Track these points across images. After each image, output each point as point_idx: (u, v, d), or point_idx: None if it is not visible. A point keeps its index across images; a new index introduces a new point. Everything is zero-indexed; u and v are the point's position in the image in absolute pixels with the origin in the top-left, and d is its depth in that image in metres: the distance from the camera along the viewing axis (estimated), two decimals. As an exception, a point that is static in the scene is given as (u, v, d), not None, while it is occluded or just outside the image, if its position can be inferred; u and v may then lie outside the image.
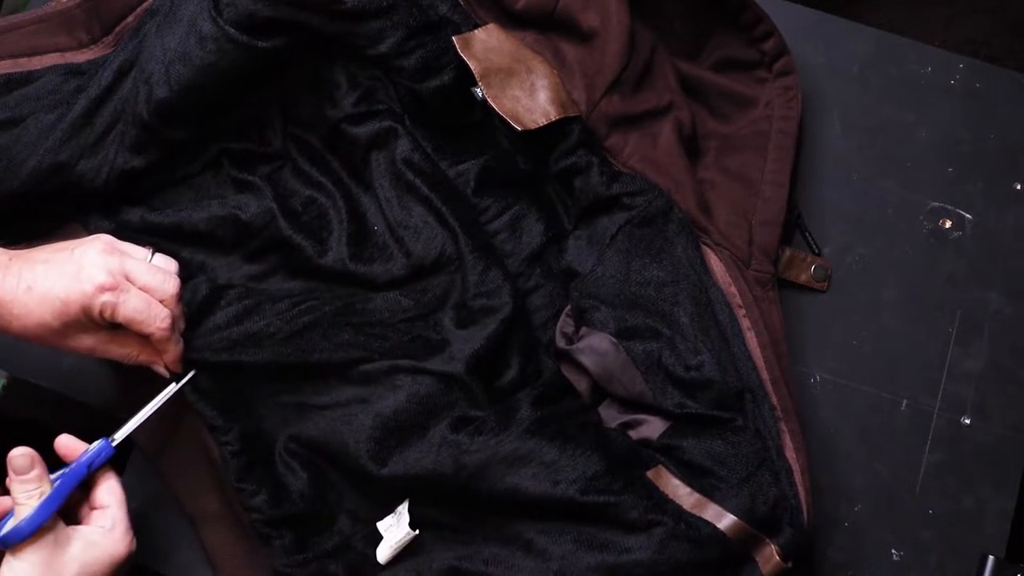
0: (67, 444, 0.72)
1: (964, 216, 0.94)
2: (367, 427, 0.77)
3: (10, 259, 0.71)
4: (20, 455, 0.69)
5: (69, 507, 0.72)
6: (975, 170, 0.95)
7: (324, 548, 0.78)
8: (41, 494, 0.69)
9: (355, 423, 0.77)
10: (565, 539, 0.74)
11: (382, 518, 0.78)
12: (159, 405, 0.75)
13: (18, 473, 0.69)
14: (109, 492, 0.73)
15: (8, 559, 0.68)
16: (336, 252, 0.83)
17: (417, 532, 0.76)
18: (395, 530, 0.77)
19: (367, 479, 0.77)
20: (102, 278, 0.70)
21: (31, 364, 0.86)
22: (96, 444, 0.72)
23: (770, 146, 0.89)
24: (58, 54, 0.85)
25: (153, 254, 0.77)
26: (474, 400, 0.78)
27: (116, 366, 0.79)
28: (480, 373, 0.79)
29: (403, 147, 0.84)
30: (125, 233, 0.84)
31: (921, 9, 1.62)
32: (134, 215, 0.84)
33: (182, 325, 0.76)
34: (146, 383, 0.79)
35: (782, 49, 0.90)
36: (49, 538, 0.68)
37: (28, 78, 0.83)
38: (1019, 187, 0.95)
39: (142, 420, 0.75)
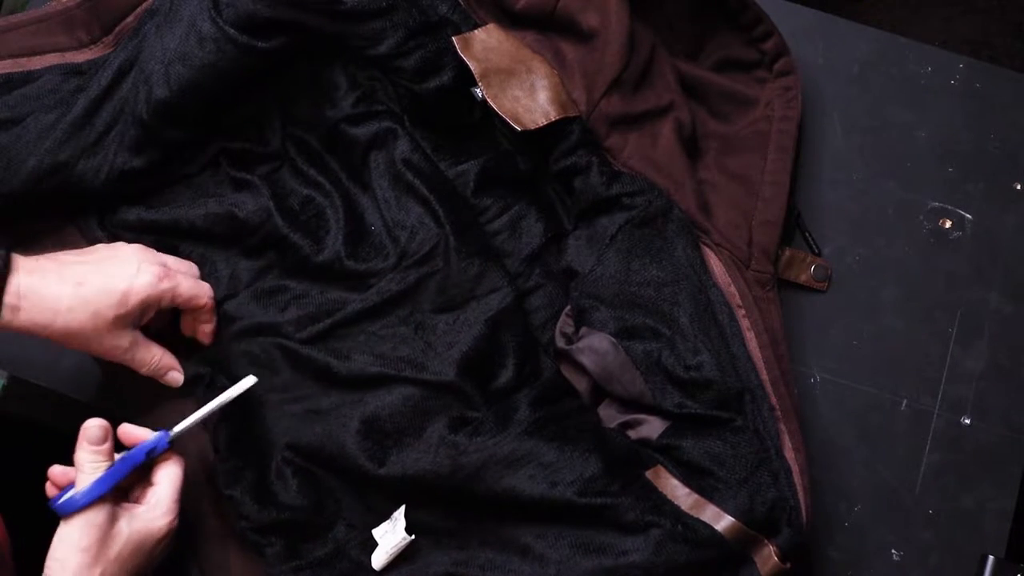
0: (129, 432, 0.75)
1: (964, 216, 0.94)
2: (363, 428, 0.77)
3: (37, 261, 0.73)
4: (96, 426, 0.72)
5: (131, 488, 0.75)
6: (975, 170, 0.95)
7: (317, 556, 0.78)
8: (105, 467, 0.72)
9: (350, 425, 0.77)
10: (562, 543, 0.74)
11: (378, 525, 0.78)
12: (220, 405, 0.76)
13: (91, 443, 0.71)
14: (164, 474, 0.75)
15: (62, 526, 0.70)
16: (332, 251, 0.83)
17: (413, 537, 0.76)
18: (391, 536, 0.77)
19: (365, 481, 0.77)
20: (156, 269, 0.76)
21: (31, 364, 0.86)
22: (157, 434, 0.74)
23: (770, 146, 0.89)
24: (58, 54, 0.85)
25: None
26: (469, 402, 0.78)
27: (116, 367, 0.79)
28: (472, 375, 0.79)
29: (403, 148, 0.84)
30: (123, 232, 0.85)
31: (921, 9, 1.62)
32: (131, 214, 0.84)
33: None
34: (146, 384, 0.80)
35: (782, 49, 0.90)
36: (102, 511, 0.71)
37: (28, 78, 0.83)
38: (1019, 187, 0.95)
39: (201, 419, 0.76)
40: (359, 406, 0.78)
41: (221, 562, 0.81)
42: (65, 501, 0.70)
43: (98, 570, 0.70)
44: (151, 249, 0.79)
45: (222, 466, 0.78)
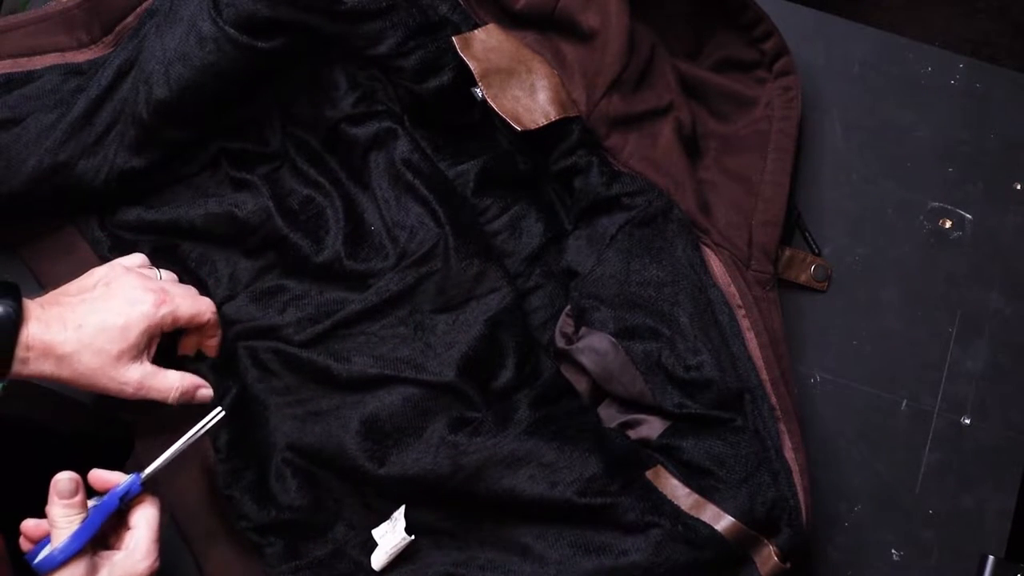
0: (100, 476, 0.74)
1: (964, 216, 0.94)
2: (363, 428, 0.77)
3: (42, 307, 0.73)
4: (66, 479, 0.70)
5: (108, 534, 0.74)
6: (975, 170, 0.95)
7: (317, 556, 0.78)
8: (80, 519, 0.71)
9: (350, 426, 0.77)
10: (562, 543, 0.74)
11: (378, 525, 0.78)
12: (190, 441, 0.76)
13: (61, 497, 0.70)
14: (140, 516, 0.74)
15: None
16: (332, 251, 0.83)
17: (413, 538, 0.76)
18: (390, 536, 0.77)
19: (365, 481, 0.77)
20: (153, 296, 0.75)
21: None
22: (127, 478, 0.73)
23: (770, 146, 0.89)
24: (58, 54, 0.85)
25: (160, 272, 0.80)
26: (469, 402, 0.78)
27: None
28: (472, 375, 0.79)
29: (403, 148, 0.84)
30: (123, 232, 0.85)
31: (921, 9, 1.62)
32: (131, 214, 0.85)
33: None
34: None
35: (782, 49, 0.90)
36: (81, 564, 0.69)
37: (28, 78, 0.83)
38: (1019, 187, 0.95)
39: (171, 457, 0.75)
40: (359, 407, 0.78)
41: (221, 562, 0.81)
42: (43, 560, 0.69)
43: None
44: (146, 274, 0.78)
45: (223, 466, 0.78)
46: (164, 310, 0.75)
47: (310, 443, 0.79)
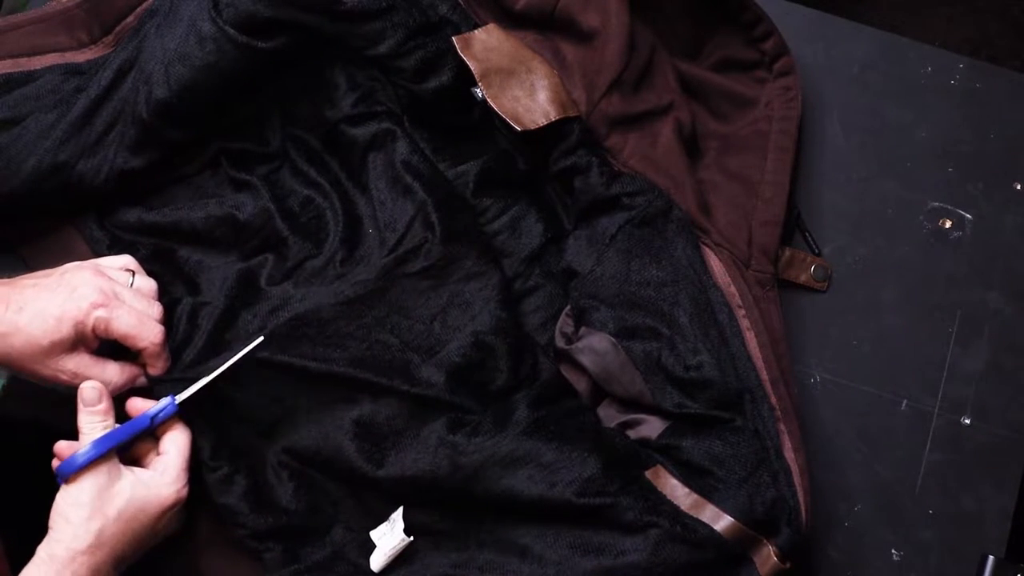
0: (136, 405, 0.76)
1: (964, 216, 0.94)
2: (360, 431, 0.77)
3: None
4: (90, 387, 0.73)
5: (138, 456, 0.76)
6: (975, 170, 0.95)
7: (315, 559, 0.77)
8: (105, 428, 0.72)
9: (346, 427, 0.77)
10: (561, 543, 0.74)
11: (376, 527, 0.78)
12: (228, 367, 0.76)
13: (86, 405, 0.73)
14: (171, 442, 0.75)
15: (64, 486, 0.71)
16: (328, 254, 0.83)
17: (411, 539, 0.76)
18: (389, 538, 0.76)
19: (363, 483, 0.77)
20: (95, 296, 0.73)
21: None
22: (163, 400, 0.75)
23: (770, 146, 0.89)
24: (58, 54, 0.85)
25: (134, 277, 0.78)
26: (465, 407, 0.78)
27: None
28: (462, 383, 0.78)
29: (402, 149, 0.84)
30: (122, 233, 0.85)
31: (921, 9, 1.62)
32: (131, 215, 0.84)
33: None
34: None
35: (782, 49, 0.90)
36: (103, 471, 0.71)
37: (28, 78, 0.83)
38: (1019, 187, 0.95)
39: (209, 381, 0.76)
40: (354, 408, 0.78)
41: (219, 568, 0.81)
42: (63, 464, 0.71)
43: (97, 524, 0.70)
44: (107, 275, 0.76)
45: (211, 476, 0.77)
46: (98, 314, 0.73)
47: (306, 445, 0.78)
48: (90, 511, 0.70)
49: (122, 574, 0.73)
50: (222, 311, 0.80)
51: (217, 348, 0.79)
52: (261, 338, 0.77)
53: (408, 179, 0.82)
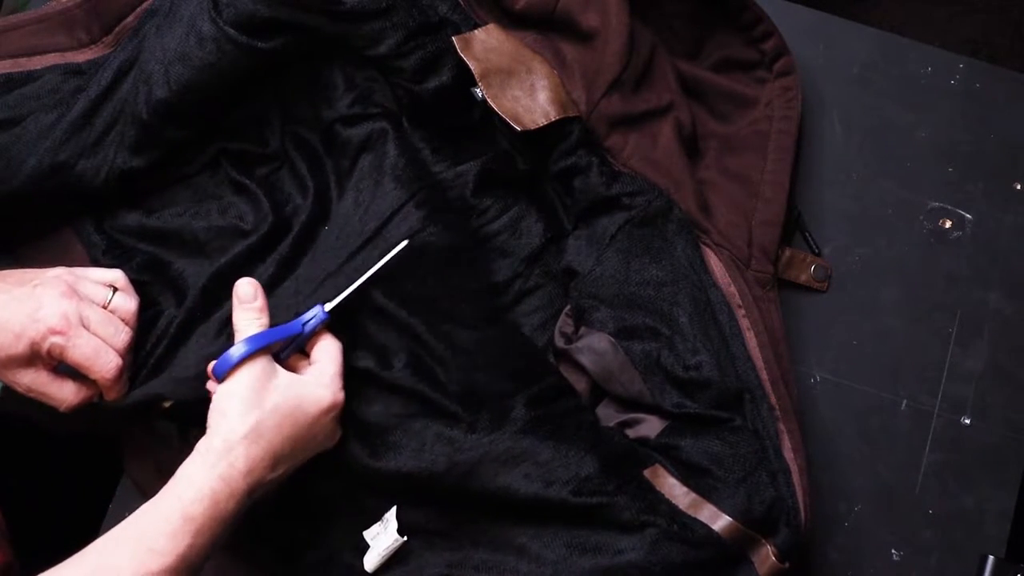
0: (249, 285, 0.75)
1: (964, 216, 0.94)
2: (355, 427, 0.77)
3: None
4: (246, 283, 0.74)
5: (291, 368, 0.76)
6: (975, 170, 0.95)
7: (310, 561, 0.77)
8: (260, 325, 0.73)
9: (344, 425, 0.77)
10: (557, 543, 0.74)
11: (370, 527, 0.78)
12: (375, 273, 0.76)
13: (241, 301, 0.74)
14: (323, 351, 0.76)
15: (220, 385, 0.72)
16: (316, 263, 0.82)
17: (405, 539, 0.76)
18: (382, 537, 0.76)
19: (359, 477, 0.77)
20: (54, 321, 0.72)
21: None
22: (312, 309, 0.75)
23: (770, 146, 0.89)
24: (58, 54, 0.85)
25: (114, 294, 0.77)
26: (457, 410, 0.78)
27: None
28: (464, 390, 0.78)
29: (391, 151, 0.83)
30: (122, 237, 0.84)
31: (921, 9, 1.62)
32: (132, 220, 0.84)
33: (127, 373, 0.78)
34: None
35: (782, 49, 0.90)
36: (257, 367, 0.71)
37: (28, 78, 0.83)
38: (1019, 187, 0.95)
39: (356, 288, 0.76)
40: (353, 400, 0.77)
41: (215, 568, 0.81)
42: (219, 360, 0.71)
43: (254, 416, 0.70)
44: (80, 294, 0.75)
45: None
46: (54, 340, 0.72)
47: None
48: (246, 404, 0.70)
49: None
50: (180, 322, 0.80)
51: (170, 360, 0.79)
52: (405, 242, 0.77)
53: (390, 182, 0.82)
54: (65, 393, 0.75)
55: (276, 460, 0.71)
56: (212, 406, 0.71)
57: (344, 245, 0.81)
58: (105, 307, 0.76)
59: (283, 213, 0.84)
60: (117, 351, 0.75)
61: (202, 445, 0.69)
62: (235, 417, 0.69)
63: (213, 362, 0.73)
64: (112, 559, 0.63)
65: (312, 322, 0.74)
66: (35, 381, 0.74)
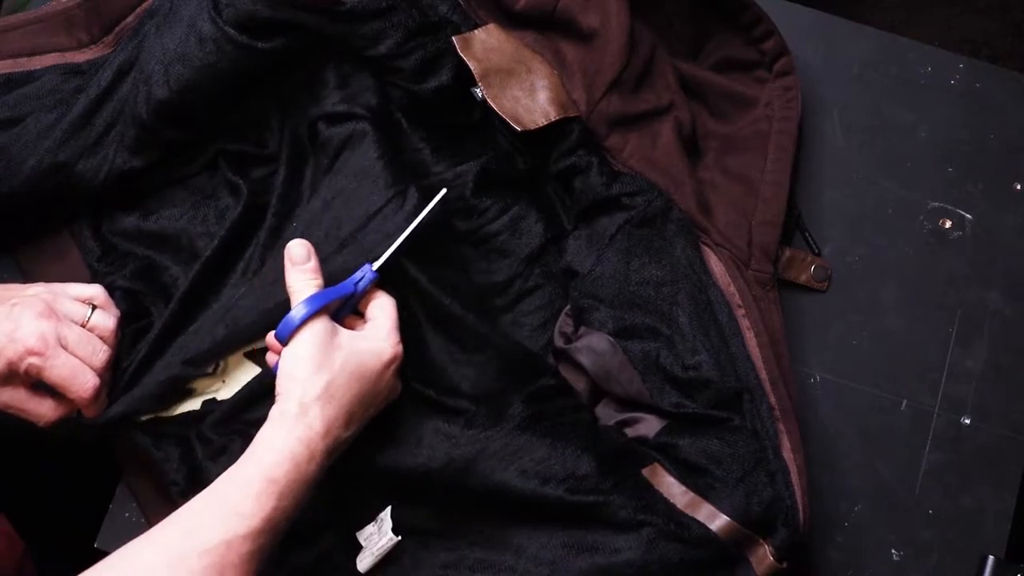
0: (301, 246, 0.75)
1: (964, 216, 0.94)
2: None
3: None
4: (298, 244, 0.74)
5: (347, 326, 0.76)
6: (975, 170, 0.95)
7: (300, 562, 0.77)
8: (316, 286, 0.73)
9: None
10: (554, 542, 0.74)
11: (363, 527, 0.77)
12: (418, 224, 0.76)
13: (295, 263, 0.74)
14: (376, 308, 0.76)
15: (285, 349, 0.72)
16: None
17: (400, 538, 0.76)
18: (376, 538, 0.76)
19: (356, 474, 0.77)
20: (32, 342, 0.72)
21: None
22: (361, 269, 0.75)
23: (770, 146, 0.89)
24: (58, 54, 0.85)
25: (93, 311, 0.77)
26: (452, 406, 0.78)
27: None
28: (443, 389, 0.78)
29: (372, 154, 0.81)
30: (118, 240, 0.84)
31: (921, 9, 1.62)
32: (129, 223, 0.84)
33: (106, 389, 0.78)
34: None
35: (782, 49, 0.90)
36: (319, 328, 0.72)
37: (28, 78, 0.83)
38: (1019, 187, 0.95)
39: (400, 244, 0.76)
40: None
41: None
42: (281, 325, 0.71)
43: (325, 377, 0.70)
44: (58, 314, 0.75)
45: (183, 500, 0.77)
46: (31, 361, 0.73)
47: None
48: (315, 365, 0.70)
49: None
50: (159, 331, 0.79)
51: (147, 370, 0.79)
52: (444, 191, 0.77)
53: (368, 185, 0.80)
54: (44, 410, 0.75)
55: (349, 418, 0.71)
56: (280, 371, 0.71)
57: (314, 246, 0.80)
58: (84, 325, 0.76)
59: (260, 214, 0.84)
60: (95, 370, 0.75)
61: (276, 411, 0.69)
62: (306, 379, 0.70)
63: (272, 331, 0.73)
64: (200, 522, 0.64)
65: (363, 281, 0.75)
66: (13, 398, 0.74)
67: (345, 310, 0.76)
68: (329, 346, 0.71)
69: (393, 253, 0.76)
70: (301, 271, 0.74)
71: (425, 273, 0.79)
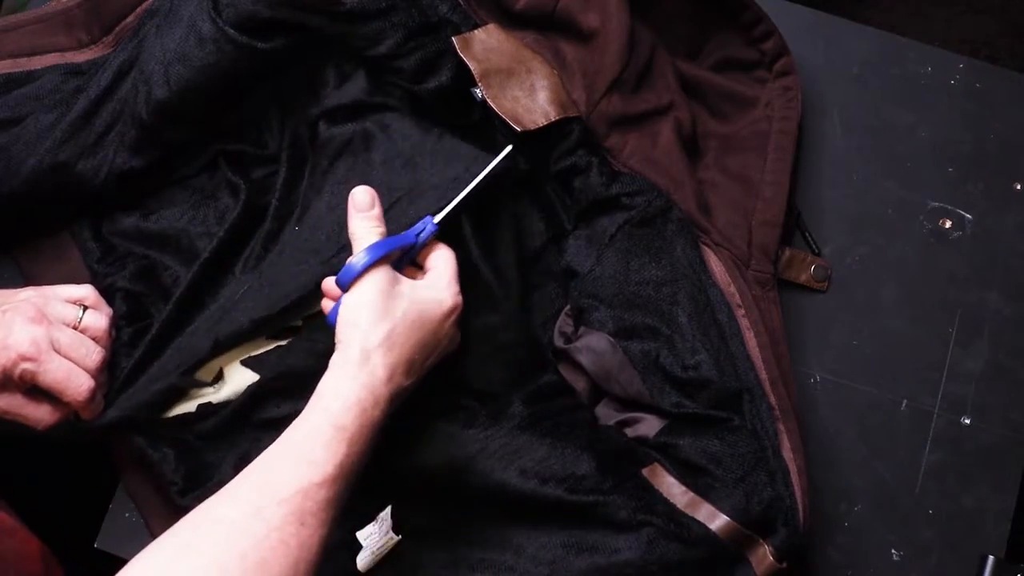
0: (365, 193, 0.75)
1: (964, 216, 0.94)
2: None
3: None
4: (362, 191, 0.74)
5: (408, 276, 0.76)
6: (975, 170, 0.95)
7: None
8: (379, 234, 0.73)
9: None
10: (554, 542, 0.74)
11: (364, 527, 0.77)
12: (482, 179, 0.77)
13: (359, 209, 0.74)
14: (437, 258, 0.76)
15: (346, 296, 0.72)
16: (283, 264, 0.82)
17: (400, 537, 0.76)
18: (376, 537, 0.76)
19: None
20: (24, 348, 0.73)
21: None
22: (422, 220, 0.76)
23: (770, 146, 0.89)
24: (58, 54, 0.85)
25: (84, 312, 0.77)
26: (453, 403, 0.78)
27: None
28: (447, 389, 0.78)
29: (376, 159, 0.82)
30: (118, 241, 0.84)
31: (921, 9, 1.62)
32: (128, 223, 0.84)
33: (105, 388, 0.78)
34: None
35: (782, 49, 0.90)
36: (381, 275, 0.72)
37: (28, 78, 0.84)
38: (1019, 187, 0.95)
39: (463, 198, 0.77)
40: None
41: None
42: (343, 271, 0.71)
43: (387, 324, 0.70)
44: (49, 318, 0.75)
45: (181, 500, 0.77)
46: (25, 367, 0.73)
47: None
48: (377, 312, 0.70)
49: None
50: (156, 333, 0.80)
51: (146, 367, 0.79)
52: (510, 147, 0.77)
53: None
54: (41, 414, 0.75)
55: (410, 366, 0.71)
56: (340, 318, 0.71)
57: (314, 248, 0.80)
58: (76, 326, 0.76)
59: (260, 215, 0.84)
60: (89, 372, 0.75)
61: (338, 358, 0.69)
62: (368, 326, 0.70)
63: (331, 278, 0.73)
64: (274, 474, 0.64)
65: (424, 233, 0.75)
66: (10, 404, 0.74)
67: (404, 261, 0.76)
68: (390, 294, 0.71)
69: (455, 207, 0.76)
70: (365, 218, 0.73)
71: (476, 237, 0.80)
